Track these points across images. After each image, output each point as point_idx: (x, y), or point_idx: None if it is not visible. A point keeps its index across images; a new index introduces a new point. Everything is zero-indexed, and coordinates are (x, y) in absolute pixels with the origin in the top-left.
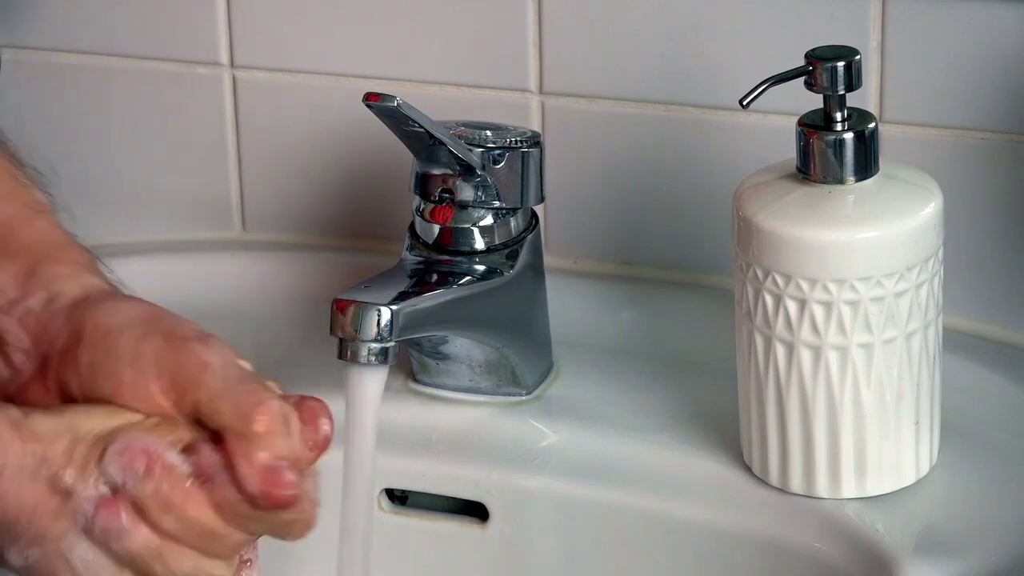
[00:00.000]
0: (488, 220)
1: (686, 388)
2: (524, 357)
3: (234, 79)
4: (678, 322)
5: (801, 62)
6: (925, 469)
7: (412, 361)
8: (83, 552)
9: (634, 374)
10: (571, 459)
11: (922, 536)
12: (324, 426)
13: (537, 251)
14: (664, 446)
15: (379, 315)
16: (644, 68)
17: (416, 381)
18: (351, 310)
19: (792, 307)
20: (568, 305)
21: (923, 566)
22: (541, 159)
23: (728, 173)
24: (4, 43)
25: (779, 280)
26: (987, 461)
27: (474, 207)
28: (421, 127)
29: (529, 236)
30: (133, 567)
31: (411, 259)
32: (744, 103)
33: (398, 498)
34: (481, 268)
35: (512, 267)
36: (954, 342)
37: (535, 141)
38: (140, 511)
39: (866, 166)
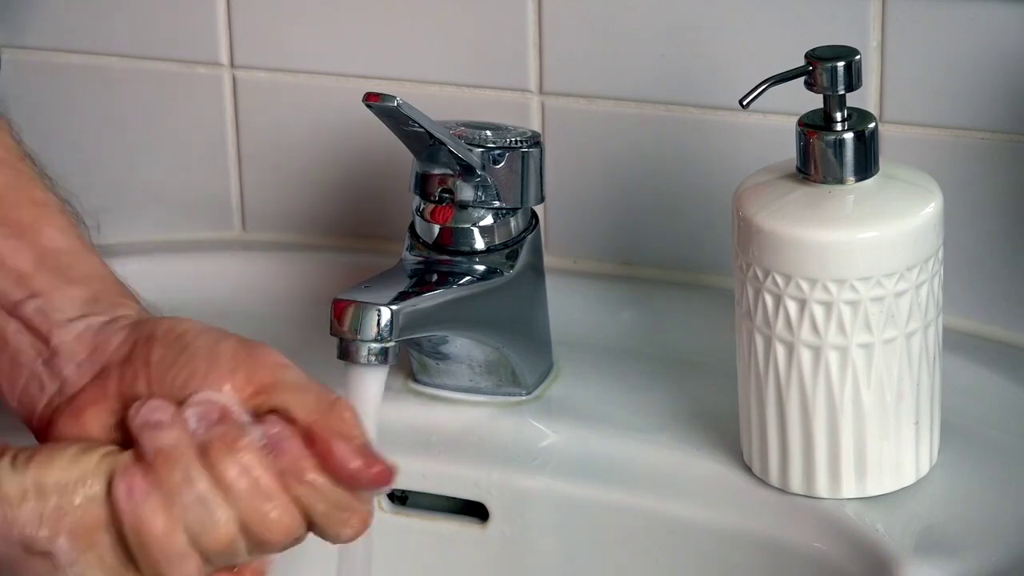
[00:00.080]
0: (488, 220)
1: (686, 388)
2: (524, 357)
3: (234, 79)
4: (678, 322)
5: (801, 62)
6: (925, 469)
7: (412, 361)
8: None
9: (634, 374)
10: (571, 459)
11: (922, 536)
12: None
13: (537, 251)
14: (664, 446)
15: (379, 315)
16: (644, 68)
17: (416, 381)
18: (351, 310)
19: (792, 307)
20: (568, 305)
21: (923, 566)
22: (541, 159)
23: (728, 173)
24: (4, 43)
25: (779, 280)
26: (987, 461)
27: (474, 207)
28: (421, 127)
29: (529, 236)
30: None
31: (411, 259)
32: (744, 103)
33: (398, 498)
34: (481, 268)
35: (512, 267)
36: (954, 342)
37: (535, 141)
38: (204, 455)
39: (866, 166)
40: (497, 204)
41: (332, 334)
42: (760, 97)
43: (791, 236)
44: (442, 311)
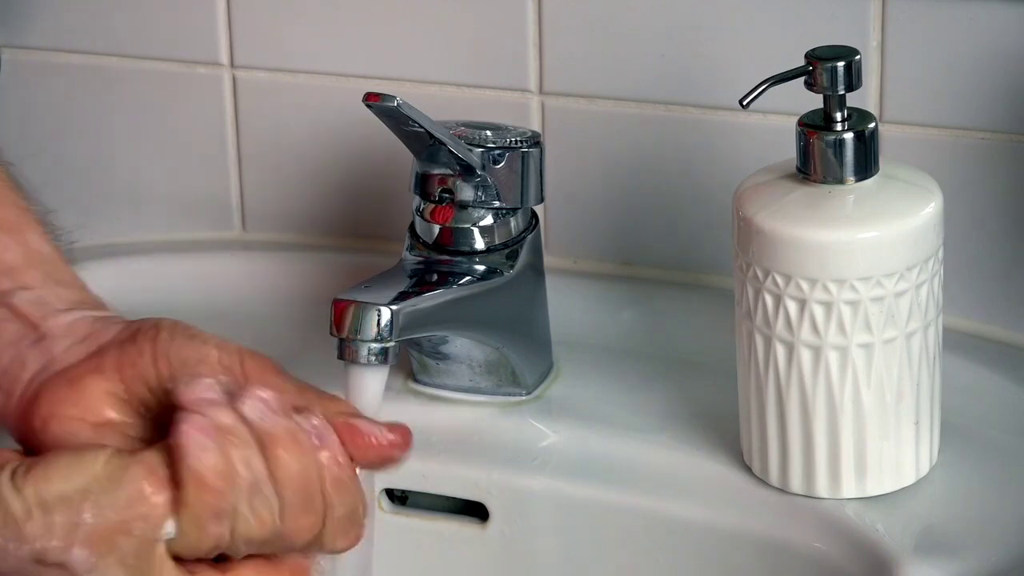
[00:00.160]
0: (488, 220)
1: (686, 388)
2: (524, 357)
3: (234, 79)
4: (678, 322)
5: (801, 62)
6: (925, 469)
7: (412, 361)
8: None
9: (634, 374)
10: (571, 459)
11: (922, 536)
12: None
13: (537, 251)
14: (664, 446)
15: (379, 315)
16: (644, 68)
17: (416, 381)
18: (351, 310)
19: (792, 307)
20: (568, 305)
21: (923, 566)
22: (541, 159)
23: (728, 173)
24: (4, 43)
25: (779, 280)
26: (987, 461)
27: (474, 207)
28: (421, 127)
29: (529, 236)
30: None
31: (411, 259)
32: (744, 103)
33: (398, 498)
34: (481, 268)
35: (512, 267)
36: (954, 342)
37: (535, 141)
38: (262, 446)
39: (866, 166)
40: (497, 204)
41: (332, 334)
42: (760, 97)
43: (791, 236)
44: (442, 311)
